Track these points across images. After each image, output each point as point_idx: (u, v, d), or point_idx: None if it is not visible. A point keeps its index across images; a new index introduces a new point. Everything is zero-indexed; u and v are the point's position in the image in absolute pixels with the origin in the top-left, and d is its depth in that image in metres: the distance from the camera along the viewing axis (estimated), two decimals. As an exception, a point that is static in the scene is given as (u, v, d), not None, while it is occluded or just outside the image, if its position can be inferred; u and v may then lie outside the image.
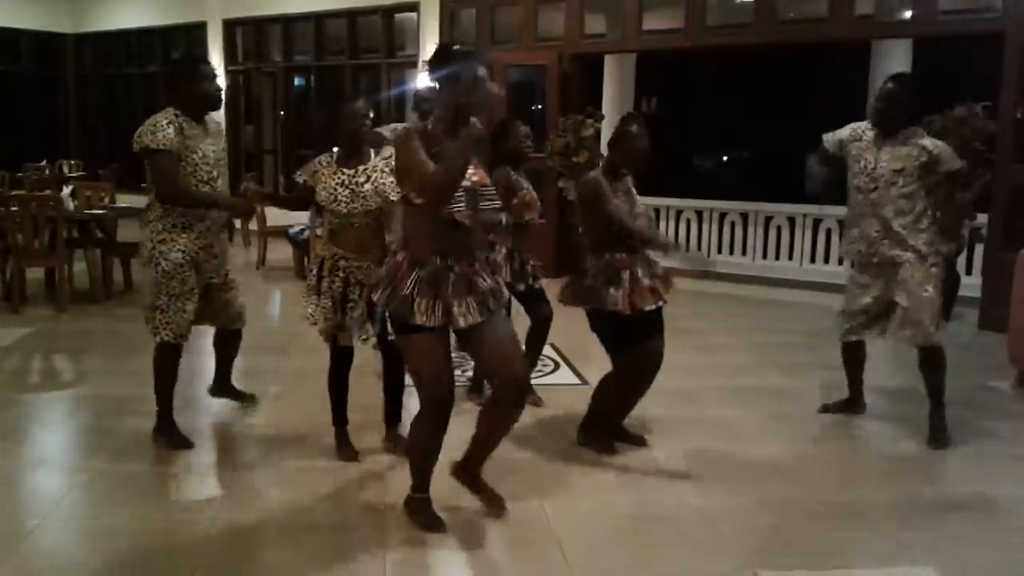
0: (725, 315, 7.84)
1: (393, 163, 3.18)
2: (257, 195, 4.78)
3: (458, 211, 3.02)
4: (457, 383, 3.31)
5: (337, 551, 3.15)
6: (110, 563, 3.04)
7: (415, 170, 2.97)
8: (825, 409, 4.79)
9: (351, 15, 11.69)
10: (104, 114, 14.64)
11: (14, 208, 6.90)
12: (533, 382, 5.01)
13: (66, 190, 7.86)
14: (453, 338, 3.19)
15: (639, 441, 4.24)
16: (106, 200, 8.78)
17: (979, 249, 7.73)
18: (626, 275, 3.91)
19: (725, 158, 18.77)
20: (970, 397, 5.11)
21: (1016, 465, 4.18)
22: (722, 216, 9.71)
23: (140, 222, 4.15)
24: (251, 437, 4.32)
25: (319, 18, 11.97)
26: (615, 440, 4.20)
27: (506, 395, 3.20)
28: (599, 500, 3.66)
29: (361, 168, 3.81)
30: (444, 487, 3.42)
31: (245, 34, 12.88)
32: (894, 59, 9.66)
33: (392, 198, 3.66)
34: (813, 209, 9.26)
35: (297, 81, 12.93)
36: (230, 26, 12.79)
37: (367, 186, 3.75)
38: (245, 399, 4.67)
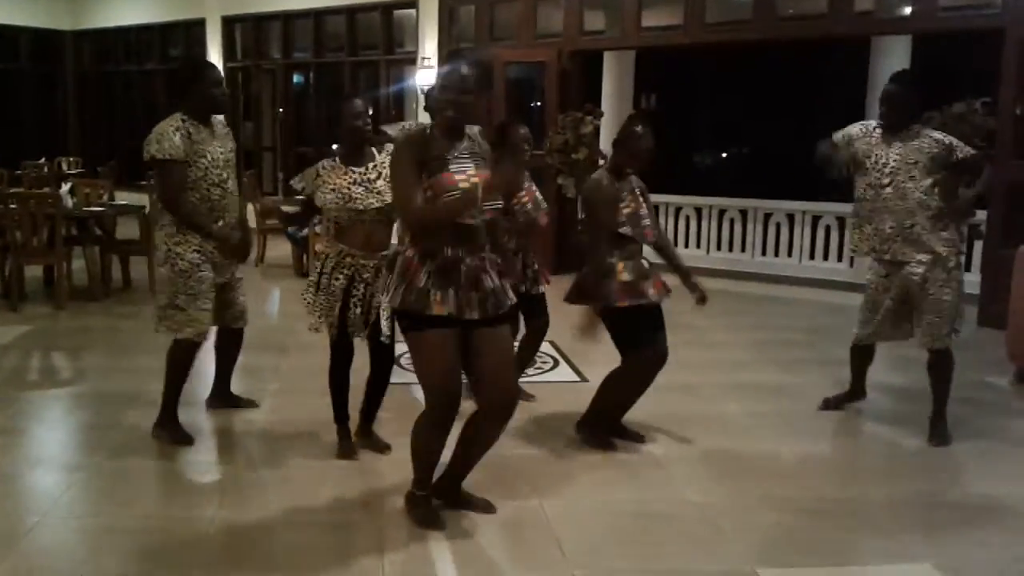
0: (724, 312, 7.82)
1: None
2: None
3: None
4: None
5: (336, 549, 3.15)
6: (109, 561, 3.04)
7: (399, 195, 3.09)
8: (826, 405, 4.77)
9: (350, 12, 11.69)
10: (103, 111, 14.62)
11: (13, 206, 6.89)
12: (530, 379, 5.03)
13: (65, 187, 7.85)
14: None
15: (638, 438, 4.24)
16: (105, 197, 8.78)
17: (978, 246, 7.73)
18: (647, 266, 4.03)
19: (724, 155, 18.76)
20: (969, 394, 5.10)
21: (1016, 462, 4.18)
22: (721, 213, 9.71)
23: (154, 224, 4.18)
24: (251, 435, 4.31)
25: (318, 15, 11.96)
26: (614, 437, 4.20)
27: (493, 409, 3.19)
28: (598, 498, 3.66)
29: (371, 165, 3.83)
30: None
31: (244, 31, 12.87)
32: (894, 55, 9.63)
33: None
34: (812, 206, 9.26)
35: (296, 78, 12.92)
36: (229, 23, 12.78)
37: (379, 182, 3.76)
38: (244, 404, 4.64)
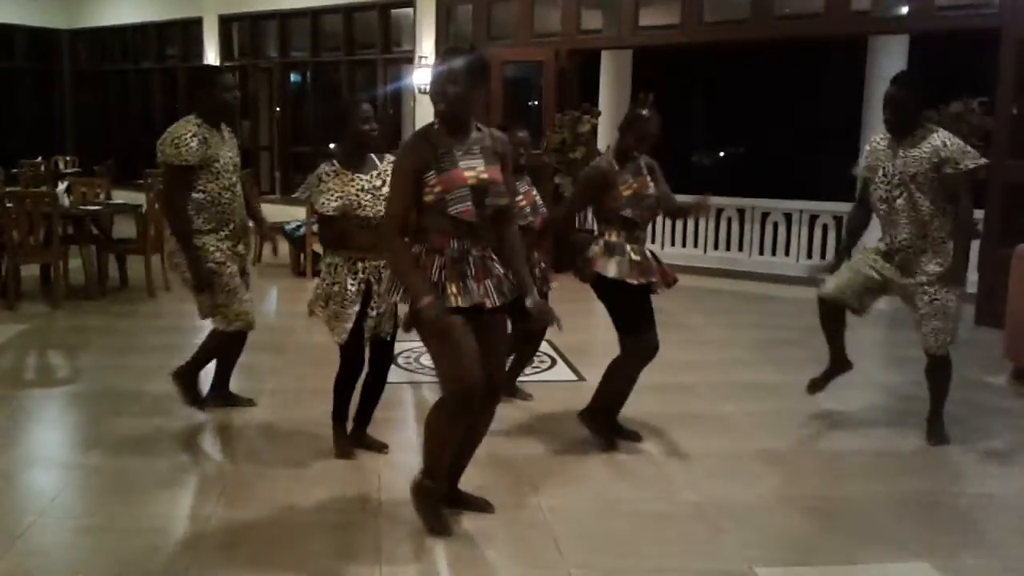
0: (722, 311, 7.84)
1: None
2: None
3: (465, 210, 3.01)
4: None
5: (334, 548, 3.15)
6: (105, 561, 3.03)
7: (387, 202, 3.20)
8: (813, 387, 4.64)
9: (347, 11, 11.68)
10: (99, 110, 14.60)
11: (9, 204, 6.86)
12: (528, 379, 5.02)
13: (61, 186, 7.84)
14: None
15: (635, 437, 4.24)
16: (101, 196, 8.77)
17: (975, 245, 7.73)
18: (649, 254, 4.07)
19: (722, 154, 18.78)
20: (967, 393, 5.10)
21: (1012, 461, 4.18)
22: (719, 212, 9.70)
23: (161, 228, 4.30)
24: (248, 434, 4.30)
25: (315, 14, 11.95)
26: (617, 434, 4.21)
27: (487, 394, 3.17)
28: (596, 496, 3.66)
29: (375, 173, 3.82)
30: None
31: (241, 30, 12.85)
32: (891, 55, 9.65)
33: None
34: (810, 205, 9.27)
35: (293, 77, 12.90)
36: (226, 22, 12.76)
37: (385, 189, 3.73)
38: (242, 403, 4.63)
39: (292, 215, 9.54)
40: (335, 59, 11.98)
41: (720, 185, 9.17)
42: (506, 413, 4.57)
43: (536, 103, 9.97)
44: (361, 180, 3.77)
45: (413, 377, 5.28)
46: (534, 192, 4.63)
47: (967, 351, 6.20)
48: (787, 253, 9.38)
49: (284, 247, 9.24)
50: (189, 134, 3.96)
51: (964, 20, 7.71)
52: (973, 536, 3.37)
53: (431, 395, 4.81)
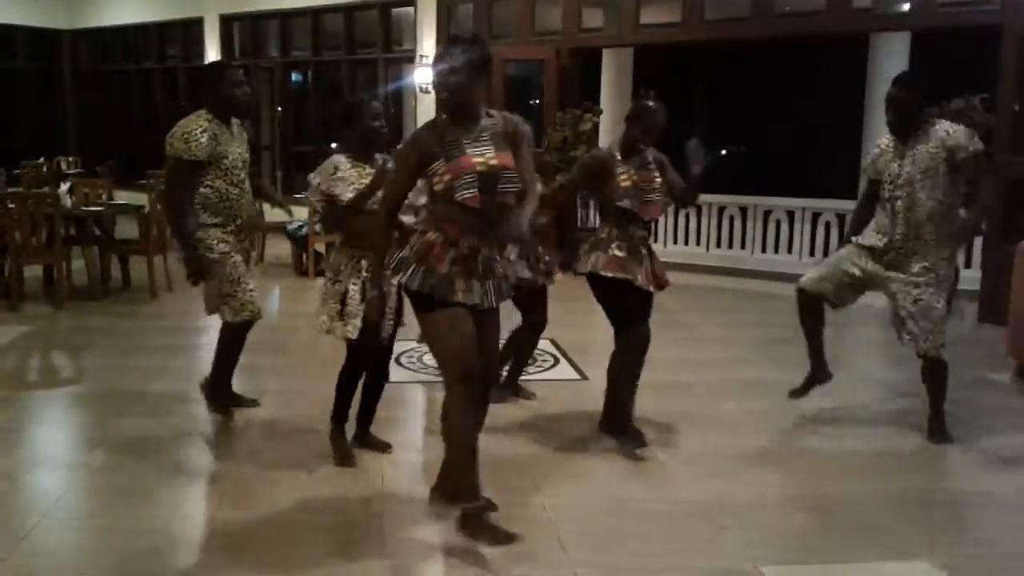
0: (723, 309, 7.84)
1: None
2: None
3: (472, 197, 2.98)
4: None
5: (337, 548, 3.15)
6: (109, 562, 3.04)
7: (385, 187, 3.35)
8: (794, 393, 4.62)
9: (348, 10, 11.68)
10: (101, 111, 14.61)
11: (11, 205, 6.87)
12: (531, 377, 5.02)
13: (63, 187, 7.85)
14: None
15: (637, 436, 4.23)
16: (104, 197, 8.78)
17: (978, 242, 7.72)
18: (644, 251, 4.03)
19: (724, 152, 18.76)
20: (970, 390, 5.10)
21: (1014, 459, 4.17)
22: (721, 210, 9.70)
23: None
24: (251, 434, 4.30)
25: (316, 13, 11.95)
26: (611, 435, 4.20)
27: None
28: (599, 495, 3.66)
29: None
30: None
31: (242, 29, 12.86)
32: (892, 52, 9.65)
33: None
34: (812, 203, 9.26)
35: (294, 76, 12.91)
36: (227, 21, 12.77)
37: None
38: (244, 403, 4.62)
39: (294, 215, 9.53)
40: (336, 58, 11.98)
41: (722, 183, 9.18)
42: (509, 412, 4.58)
43: (537, 102, 9.98)
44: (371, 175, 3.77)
45: (416, 377, 5.28)
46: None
47: (970, 348, 6.20)
48: (789, 251, 9.37)
49: (287, 247, 9.26)
50: (199, 129, 3.96)
51: (965, 17, 7.71)
52: (973, 535, 3.37)
53: (434, 394, 4.82)
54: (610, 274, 3.96)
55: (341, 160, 3.78)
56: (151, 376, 5.16)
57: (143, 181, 9.49)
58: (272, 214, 9.25)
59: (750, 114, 16.31)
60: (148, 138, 13.30)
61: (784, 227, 9.37)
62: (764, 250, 9.51)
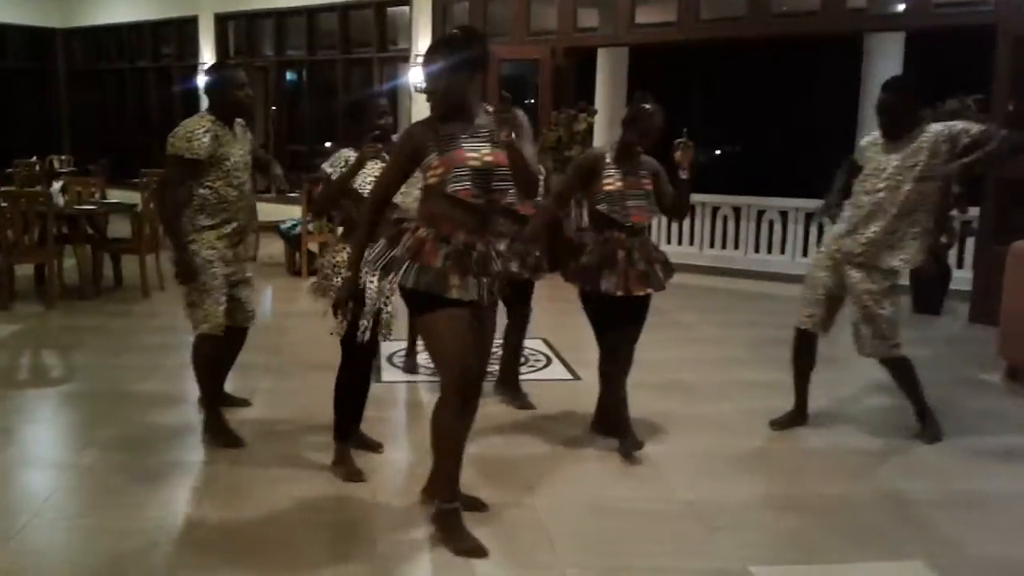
0: (718, 309, 7.84)
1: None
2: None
3: (464, 190, 2.96)
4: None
5: (328, 547, 3.14)
6: (98, 561, 3.02)
7: (376, 179, 3.33)
8: (776, 424, 4.54)
9: (343, 9, 11.68)
10: (95, 109, 14.58)
11: (4, 204, 6.84)
12: (523, 378, 5.01)
13: (56, 186, 7.83)
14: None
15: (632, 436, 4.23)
16: (96, 196, 8.77)
17: (970, 242, 7.74)
18: (622, 255, 3.95)
19: (718, 152, 18.77)
20: (961, 390, 5.12)
21: (1005, 459, 4.18)
22: (715, 210, 9.70)
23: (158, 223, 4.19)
24: (242, 434, 4.27)
25: (311, 12, 11.95)
26: (603, 435, 4.20)
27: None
28: (591, 496, 3.65)
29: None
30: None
31: (237, 28, 12.84)
32: (887, 53, 9.63)
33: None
34: (805, 203, 9.25)
35: (289, 75, 12.89)
36: (221, 20, 12.75)
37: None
38: (236, 403, 4.60)
39: (288, 214, 9.53)
40: (331, 58, 11.97)
41: (716, 183, 9.19)
42: (501, 412, 4.57)
43: (532, 101, 9.97)
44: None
45: (409, 377, 5.27)
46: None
47: (961, 348, 6.22)
48: (783, 251, 9.38)
49: (280, 246, 9.24)
50: (202, 129, 3.94)
51: (960, 17, 7.73)
52: (967, 535, 3.36)
53: (427, 394, 4.81)
54: (574, 284, 4.01)
55: (352, 155, 3.75)
56: (142, 375, 5.14)
57: (136, 180, 9.47)
58: (265, 213, 9.28)
59: (745, 114, 16.33)
60: (142, 137, 13.31)
61: (777, 227, 9.38)
62: (757, 250, 9.52)
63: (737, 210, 9.60)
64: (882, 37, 9.66)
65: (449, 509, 3.14)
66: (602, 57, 11.50)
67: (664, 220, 9.87)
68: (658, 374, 5.25)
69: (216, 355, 4.19)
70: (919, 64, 8.99)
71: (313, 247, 8.70)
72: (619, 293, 3.93)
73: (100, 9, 14.10)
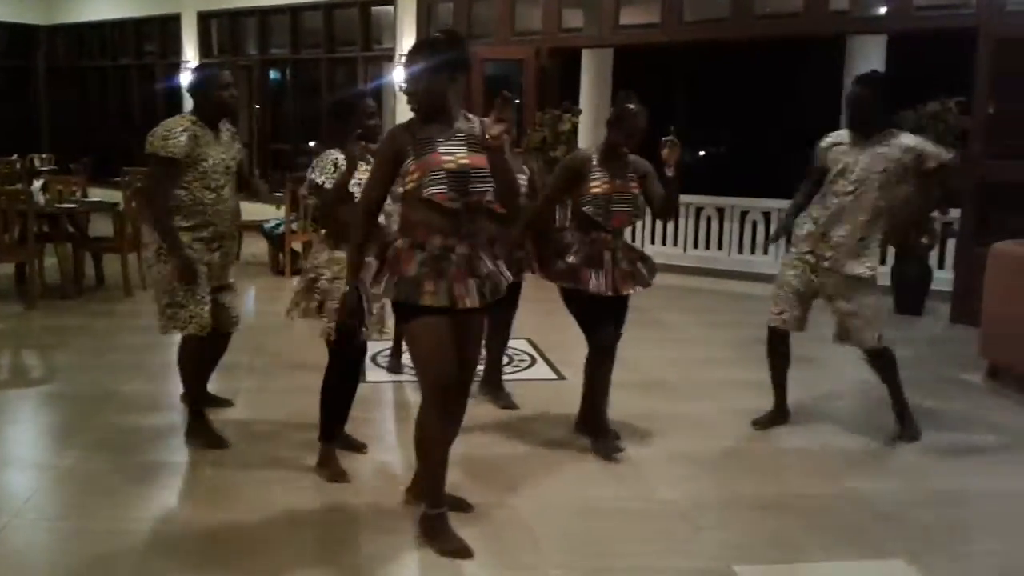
0: (701, 309, 7.87)
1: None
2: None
3: (439, 193, 2.95)
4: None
5: (312, 549, 3.13)
6: (80, 564, 2.99)
7: (363, 189, 3.29)
8: (758, 423, 4.55)
9: (327, 8, 11.63)
10: (76, 107, 14.46)
11: (-17, 202, 6.79)
12: (507, 377, 5.01)
13: (37, 184, 7.75)
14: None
15: (613, 436, 4.23)
16: (77, 194, 8.69)
17: (951, 243, 7.80)
18: (608, 255, 3.96)
19: (702, 153, 18.83)
20: (942, 390, 5.16)
21: (986, 458, 4.22)
22: (698, 211, 9.73)
23: (142, 222, 4.12)
24: (225, 434, 4.25)
25: (295, 11, 11.90)
26: (587, 435, 4.20)
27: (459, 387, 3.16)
28: (575, 496, 3.65)
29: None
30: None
31: (220, 27, 12.77)
32: (869, 55, 9.71)
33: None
34: (788, 204, 9.28)
35: (272, 74, 12.83)
36: (204, 18, 12.68)
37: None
38: (219, 403, 4.57)
39: (271, 213, 9.48)
40: (315, 56, 11.92)
41: (700, 183, 9.20)
42: (485, 412, 4.57)
43: (516, 101, 9.97)
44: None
45: (393, 377, 5.26)
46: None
47: (943, 349, 6.27)
48: (766, 252, 9.41)
49: (263, 246, 9.20)
50: (180, 128, 3.89)
51: (941, 20, 7.78)
52: (948, 533, 3.39)
53: (411, 395, 4.80)
54: (561, 284, 4.00)
55: (339, 157, 3.73)
56: (124, 375, 5.10)
57: (117, 179, 9.41)
58: (247, 212, 9.23)
59: (729, 115, 16.41)
60: (124, 135, 13.21)
61: (761, 228, 9.41)
62: (741, 251, 9.56)
63: (721, 211, 9.64)
64: (864, 39, 9.73)
65: (435, 515, 3.13)
66: (587, 58, 11.53)
67: (649, 220, 9.89)
68: (641, 374, 5.26)
69: (201, 356, 4.16)
70: (901, 66, 9.05)
71: (297, 246, 8.67)
72: (608, 293, 3.95)
73: (83, 6, 13.98)
